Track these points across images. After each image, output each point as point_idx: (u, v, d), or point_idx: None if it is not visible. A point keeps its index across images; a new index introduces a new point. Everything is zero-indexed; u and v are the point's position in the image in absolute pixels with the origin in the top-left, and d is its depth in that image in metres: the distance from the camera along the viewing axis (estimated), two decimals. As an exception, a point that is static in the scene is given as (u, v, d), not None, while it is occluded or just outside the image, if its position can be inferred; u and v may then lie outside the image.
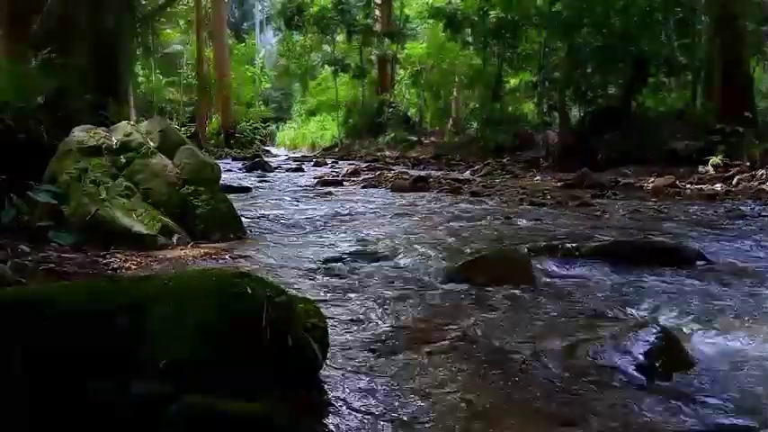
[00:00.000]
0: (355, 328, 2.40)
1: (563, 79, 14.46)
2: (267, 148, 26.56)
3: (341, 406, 1.72)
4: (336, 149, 23.07)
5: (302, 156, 21.65)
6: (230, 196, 4.99)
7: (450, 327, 2.42)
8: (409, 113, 24.26)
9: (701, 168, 9.83)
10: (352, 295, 2.91)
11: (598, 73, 13.76)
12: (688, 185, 8.61)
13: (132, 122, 4.91)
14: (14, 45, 5.68)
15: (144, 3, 17.04)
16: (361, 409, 1.70)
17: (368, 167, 13.26)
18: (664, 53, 13.52)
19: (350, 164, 14.97)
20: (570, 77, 14.18)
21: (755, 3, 13.33)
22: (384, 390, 1.83)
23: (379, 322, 2.49)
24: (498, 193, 8.05)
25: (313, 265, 3.53)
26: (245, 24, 40.67)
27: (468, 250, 3.84)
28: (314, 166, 15.27)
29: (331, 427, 1.61)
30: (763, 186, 8.05)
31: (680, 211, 6.09)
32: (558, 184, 9.40)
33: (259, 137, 26.25)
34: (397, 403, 1.74)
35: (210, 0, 23.57)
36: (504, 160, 14.15)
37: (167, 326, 1.53)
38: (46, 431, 1.43)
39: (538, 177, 10.93)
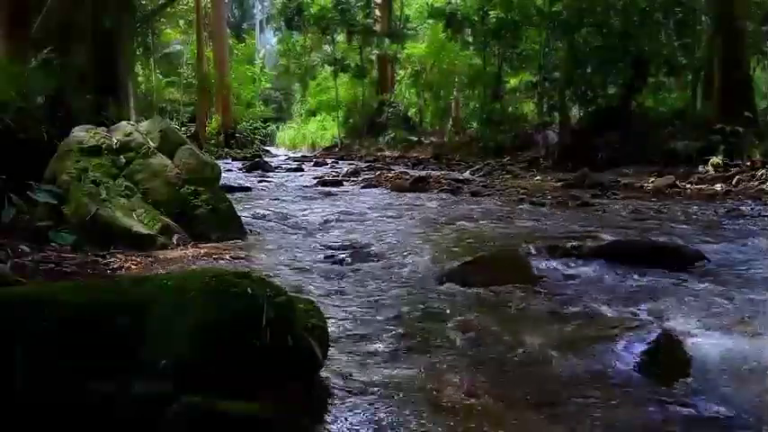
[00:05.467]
0: (355, 328, 2.40)
1: (563, 79, 14.45)
2: (267, 148, 26.53)
3: (340, 406, 1.72)
4: (336, 149, 23.06)
5: (302, 156, 21.63)
6: (230, 196, 4.98)
7: (450, 327, 2.42)
8: (409, 113, 24.25)
9: (701, 168, 9.83)
10: (351, 295, 2.91)
11: (598, 73, 13.75)
12: (688, 185, 8.60)
13: (132, 122, 4.90)
14: (14, 45, 5.68)
15: (144, 3, 17.03)
16: (361, 409, 1.70)
17: (368, 167, 13.25)
18: (664, 53, 13.51)
19: (350, 164, 14.97)
20: (570, 77, 14.18)
21: (755, 3, 13.33)
22: (384, 390, 1.83)
23: (379, 322, 2.49)
24: (498, 193, 8.05)
25: (313, 265, 3.53)
26: (245, 24, 40.64)
27: (468, 250, 3.84)
28: (314, 166, 15.26)
29: (331, 426, 1.61)
30: (763, 186, 8.05)
31: (680, 211, 6.09)
32: (558, 183, 9.40)
33: (259, 137, 26.21)
34: (396, 403, 1.74)
35: (210, 0, 23.55)
36: (504, 160, 14.14)
37: (167, 326, 1.53)
38: (46, 431, 1.43)
39: (538, 177, 10.93)
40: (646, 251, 3.62)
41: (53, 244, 3.57)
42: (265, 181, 10.32)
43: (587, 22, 13.65)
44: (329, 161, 16.88)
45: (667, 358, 2.01)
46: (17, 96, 4.55)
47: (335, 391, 1.81)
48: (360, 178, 10.51)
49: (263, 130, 28.21)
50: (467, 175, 11.62)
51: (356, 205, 6.66)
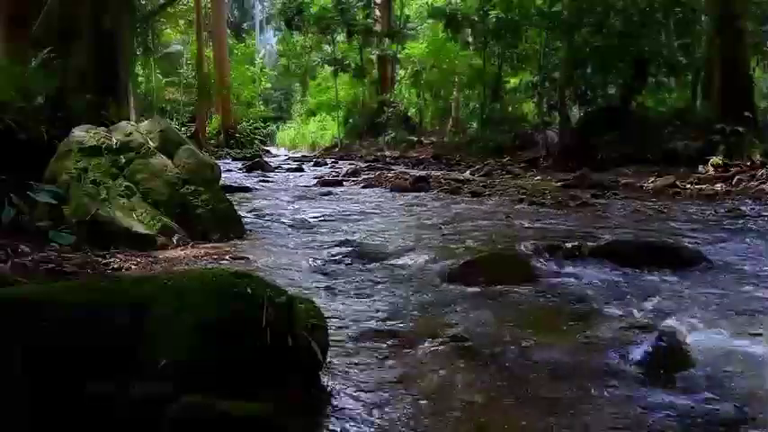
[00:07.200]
0: (355, 327, 2.40)
1: (563, 79, 14.45)
2: (267, 148, 26.54)
3: (341, 406, 1.72)
4: (336, 149, 23.05)
5: (302, 156, 21.63)
6: (230, 196, 4.99)
7: (450, 327, 2.42)
8: (409, 113, 24.25)
9: (701, 168, 9.82)
10: (352, 295, 2.91)
11: (598, 73, 13.76)
12: (688, 185, 8.59)
13: (132, 122, 4.90)
14: (14, 45, 5.67)
15: (144, 3, 17.04)
16: (361, 408, 1.70)
17: (368, 167, 13.24)
18: (664, 53, 13.52)
19: (350, 164, 14.96)
20: (570, 77, 14.18)
21: (755, 3, 13.33)
22: (384, 389, 1.83)
23: (380, 322, 2.49)
24: (498, 193, 8.05)
25: (313, 265, 3.54)
26: (245, 24, 40.67)
27: (469, 250, 3.84)
28: (314, 166, 15.26)
29: (331, 426, 1.61)
30: (763, 186, 8.04)
31: (680, 211, 6.09)
32: (558, 184, 9.39)
33: (259, 137, 26.21)
34: (396, 403, 1.74)
35: (210, 0, 23.56)
36: (504, 160, 14.13)
37: (167, 326, 1.53)
38: (46, 431, 1.43)
39: (538, 177, 10.92)
40: (646, 251, 3.61)
41: (53, 244, 3.57)
42: (265, 181, 10.32)
43: (587, 22, 13.65)
44: (329, 161, 16.88)
45: (667, 357, 2.01)
46: (17, 96, 4.55)
47: (335, 390, 1.81)
48: (360, 178, 10.51)
49: (263, 130, 28.21)
50: (467, 175, 11.61)
51: (356, 205, 6.66)
